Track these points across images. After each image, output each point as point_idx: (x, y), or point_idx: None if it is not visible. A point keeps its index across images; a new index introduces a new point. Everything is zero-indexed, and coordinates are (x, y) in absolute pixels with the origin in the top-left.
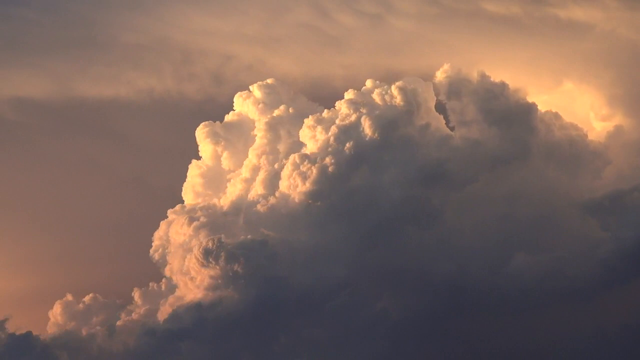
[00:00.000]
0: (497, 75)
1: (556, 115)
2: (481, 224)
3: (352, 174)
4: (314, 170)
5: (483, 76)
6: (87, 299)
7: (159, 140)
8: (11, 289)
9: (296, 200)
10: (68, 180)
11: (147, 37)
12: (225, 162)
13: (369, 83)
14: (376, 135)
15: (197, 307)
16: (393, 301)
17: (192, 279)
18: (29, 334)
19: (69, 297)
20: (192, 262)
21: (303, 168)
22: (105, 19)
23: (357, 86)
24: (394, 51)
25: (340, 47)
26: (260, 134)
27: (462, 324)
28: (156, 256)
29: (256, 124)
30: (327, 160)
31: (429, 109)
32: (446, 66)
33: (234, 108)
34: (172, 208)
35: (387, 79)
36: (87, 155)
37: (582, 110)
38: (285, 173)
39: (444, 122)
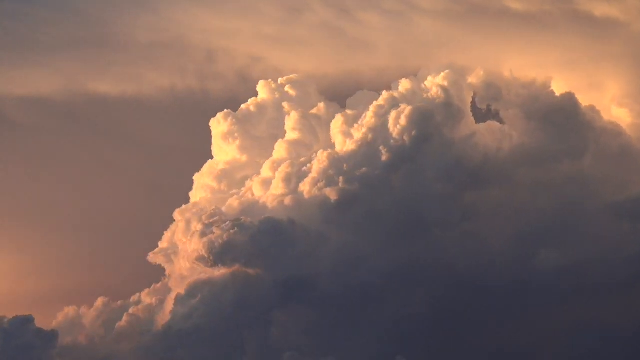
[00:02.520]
0: (529, 74)
1: (595, 111)
2: (510, 220)
3: (387, 175)
4: (348, 171)
5: (516, 77)
6: (97, 303)
7: (179, 142)
8: (18, 291)
9: (329, 199)
10: (83, 182)
11: (163, 37)
12: (244, 158)
13: (405, 83)
14: (413, 135)
15: (202, 308)
16: (417, 298)
17: (198, 278)
18: (29, 317)
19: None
20: (199, 261)
21: (336, 167)
22: (121, 18)
23: (386, 86)
24: (419, 51)
25: (366, 47)
26: (289, 130)
27: (485, 319)
28: (161, 257)
29: (286, 120)
30: (361, 160)
31: (465, 107)
32: (478, 69)
33: (257, 96)
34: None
35: (414, 79)
36: (103, 156)
37: (615, 108)
38: (315, 171)
39: (481, 122)
